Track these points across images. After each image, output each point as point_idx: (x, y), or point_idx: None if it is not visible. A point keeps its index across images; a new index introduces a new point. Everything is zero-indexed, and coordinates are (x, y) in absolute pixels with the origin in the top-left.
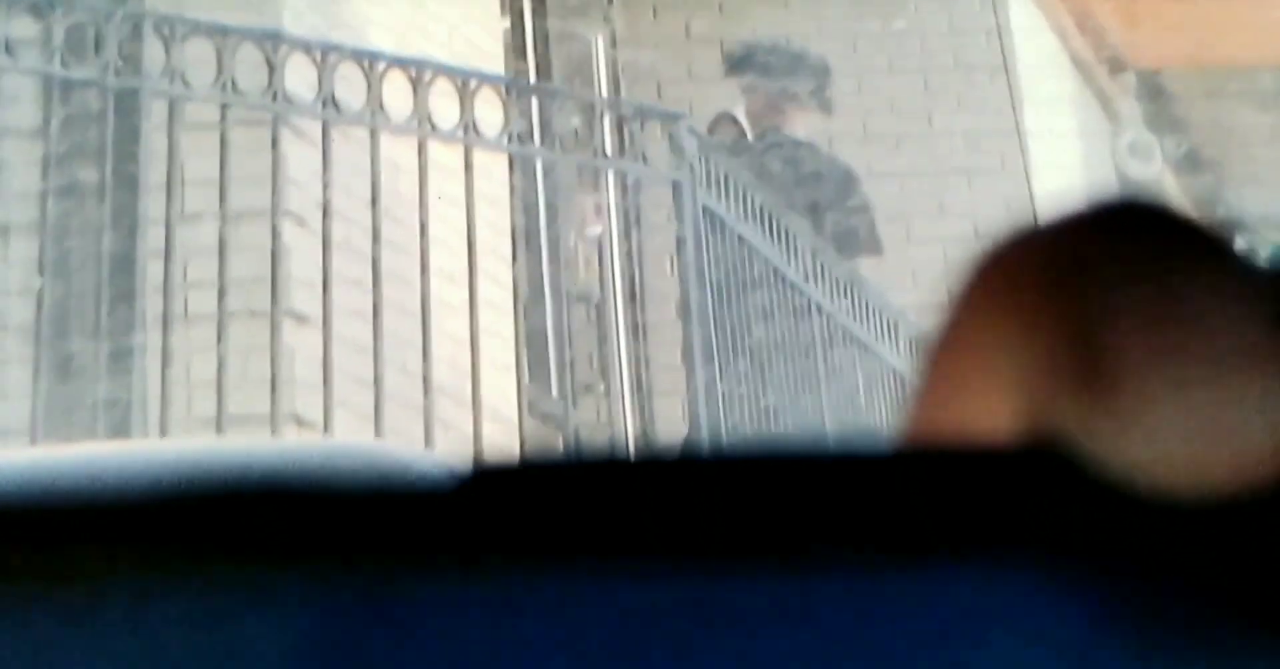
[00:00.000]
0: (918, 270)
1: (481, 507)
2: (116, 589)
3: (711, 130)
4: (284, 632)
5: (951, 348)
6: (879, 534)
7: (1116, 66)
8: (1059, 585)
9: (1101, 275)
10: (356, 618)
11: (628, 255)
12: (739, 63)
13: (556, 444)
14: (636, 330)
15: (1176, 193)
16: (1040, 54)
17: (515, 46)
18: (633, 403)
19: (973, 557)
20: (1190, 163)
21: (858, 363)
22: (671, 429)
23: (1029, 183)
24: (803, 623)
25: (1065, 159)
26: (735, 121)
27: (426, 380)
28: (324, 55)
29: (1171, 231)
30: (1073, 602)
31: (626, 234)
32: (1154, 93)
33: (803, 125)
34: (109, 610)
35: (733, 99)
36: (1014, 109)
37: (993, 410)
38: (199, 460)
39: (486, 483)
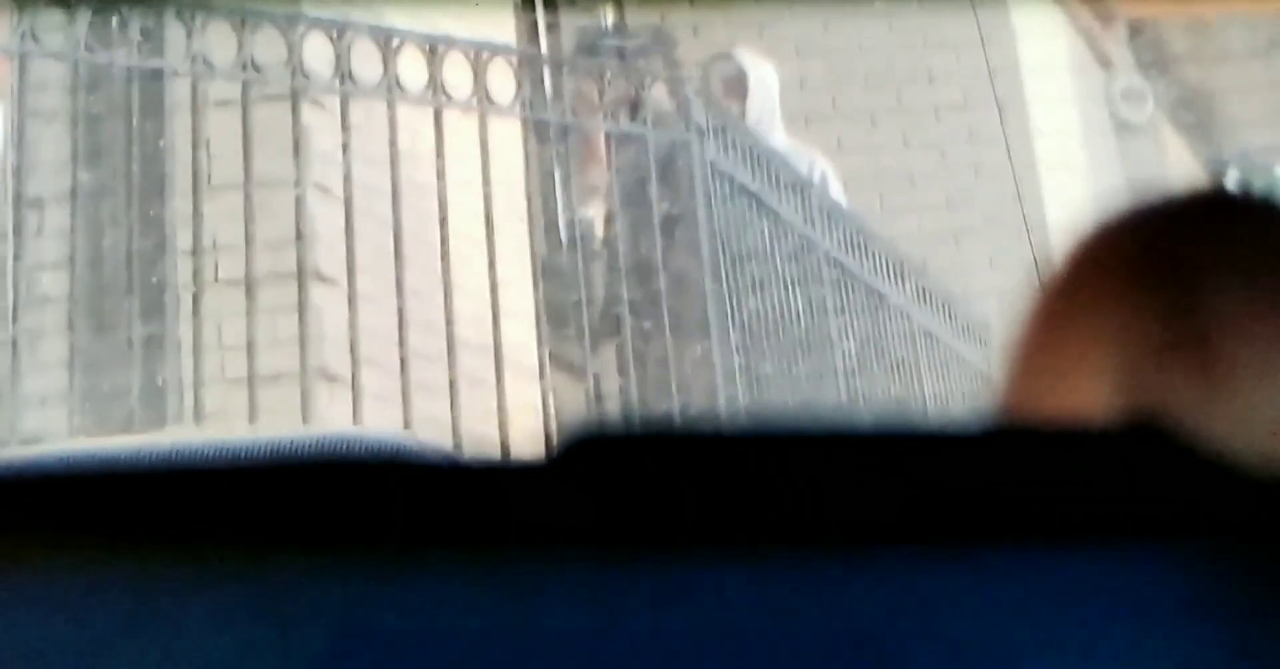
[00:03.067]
0: (910, 228)
1: (581, 482)
2: (186, 567)
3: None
4: (373, 608)
5: (1051, 325)
6: (981, 514)
7: (1107, 14)
8: (1165, 563)
9: (1208, 257)
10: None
11: (640, 217)
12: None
13: (578, 397)
14: (652, 284)
15: (1169, 137)
16: (1035, 12)
17: (527, 20)
18: (647, 363)
19: (1078, 536)
20: (1182, 107)
21: (875, 316)
22: (687, 384)
23: (1029, 143)
24: (906, 599)
25: (1064, 119)
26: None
27: (450, 335)
28: (341, 33)
29: (1267, 219)
30: (1177, 579)
31: (638, 195)
32: (1145, 45)
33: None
34: (171, 591)
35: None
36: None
37: (1092, 387)
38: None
39: (584, 457)
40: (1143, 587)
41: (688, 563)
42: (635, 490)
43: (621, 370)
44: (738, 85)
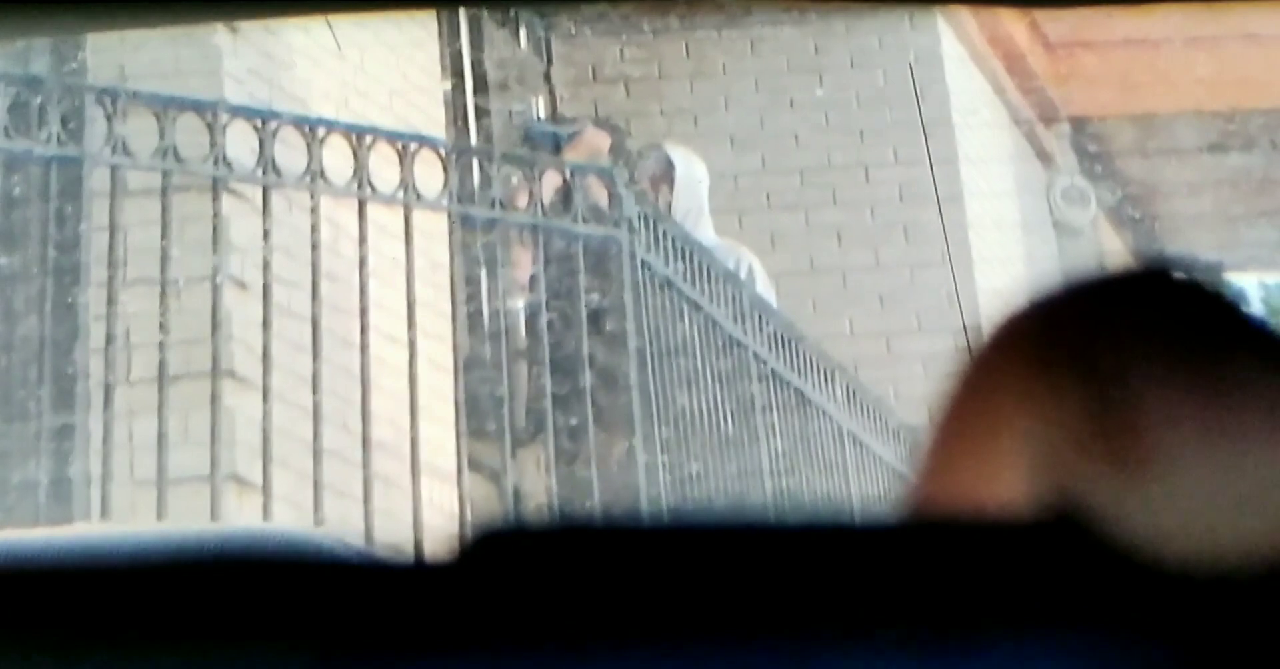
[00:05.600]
0: (854, 321)
1: (486, 580)
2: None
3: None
4: None
5: (967, 414)
6: (895, 610)
7: (1050, 116)
8: (1077, 656)
9: (1127, 346)
10: None
11: (567, 312)
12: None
13: (495, 499)
14: (576, 386)
15: (1111, 239)
16: (974, 106)
17: (457, 108)
18: (570, 461)
19: (994, 631)
20: (1124, 209)
21: (802, 415)
22: (610, 483)
23: (967, 238)
24: None
25: (1002, 212)
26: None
27: (365, 439)
28: (264, 122)
29: (1192, 300)
30: None
31: (566, 290)
32: (1088, 141)
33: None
34: None
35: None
36: (945, 162)
37: (1008, 478)
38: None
39: (488, 555)
40: None
41: (595, 657)
42: (541, 586)
43: (544, 468)
44: (665, 178)
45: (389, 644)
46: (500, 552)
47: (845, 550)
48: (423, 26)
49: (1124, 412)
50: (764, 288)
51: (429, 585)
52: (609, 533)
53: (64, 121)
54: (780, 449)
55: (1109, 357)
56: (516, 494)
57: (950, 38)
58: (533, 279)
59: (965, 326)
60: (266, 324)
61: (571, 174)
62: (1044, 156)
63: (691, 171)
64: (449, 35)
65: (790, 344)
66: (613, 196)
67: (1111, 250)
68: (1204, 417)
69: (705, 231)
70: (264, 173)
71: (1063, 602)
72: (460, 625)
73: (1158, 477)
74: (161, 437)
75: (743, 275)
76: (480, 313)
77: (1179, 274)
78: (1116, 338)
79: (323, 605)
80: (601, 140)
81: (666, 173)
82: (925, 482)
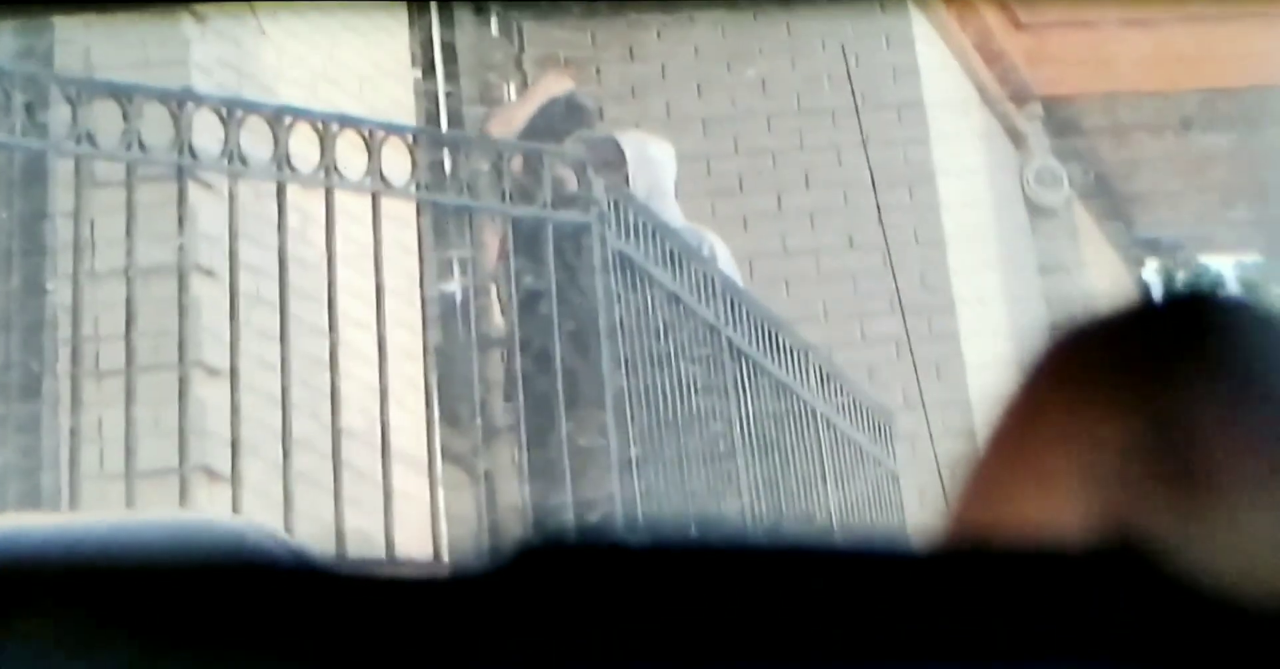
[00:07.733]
0: (828, 303)
1: (524, 596)
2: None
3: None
4: None
5: (1017, 438)
6: (942, 640)
7: (1022, 96)
8: None
9: (1182, 370)
10: None
11: (538, 298)
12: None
13: (467, 488)
14: (549, 373)
15: (1084, 219)
16: (946, 87)
17: (427, 95)
18: (543, 448)
19: (1045, 663)
20: (1097, 190)
21: (774, 400)
22: (583, 470)
23: (940, 217)
24: None
25: (975, 192)
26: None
27: (335, 428)
28: (230, 110)
29: (1245, 325)
30: None
31: (537, 276)
32: (1060, 121)
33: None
34: None
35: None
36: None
37: (1061, 504)
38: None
39: (528, 570)
40: None
41: None
42: (594, 607)
43: (515, 456)
44: (616, 166)
45: (415, 663)
46: (541, 568)
47: (892, 578)
48: (392, 13)
49: (1181, 437)
50: (728, 265)
51: (467, 600)
52: (656, 553)
53: (28, 111)
54: (751, 432)
55: (1164, 381)
56: (489, 482)
57: (921, 19)
58: (503, 264)
59: (939, 307)
60: (234, 313)
61: (539, 158)
62: (1016, 137)
63: (645, 155)
64: (419, 21)
65: (766, 330)
66: (581, 181)
67: (1085, 231)
68: (1263, 443)
69: (671, 215)
70: (230, 161)
71: (1118, 632)
72: (499, 643)
73: (1216, 504)
74: (130, 427)
75: (705, 254)
76: (451, 300)
77: (1229, 299)
78: (1171, 362)
79: (340, 620)
80: (560, 81)
81: (618, 160)
82: (973, 506)
